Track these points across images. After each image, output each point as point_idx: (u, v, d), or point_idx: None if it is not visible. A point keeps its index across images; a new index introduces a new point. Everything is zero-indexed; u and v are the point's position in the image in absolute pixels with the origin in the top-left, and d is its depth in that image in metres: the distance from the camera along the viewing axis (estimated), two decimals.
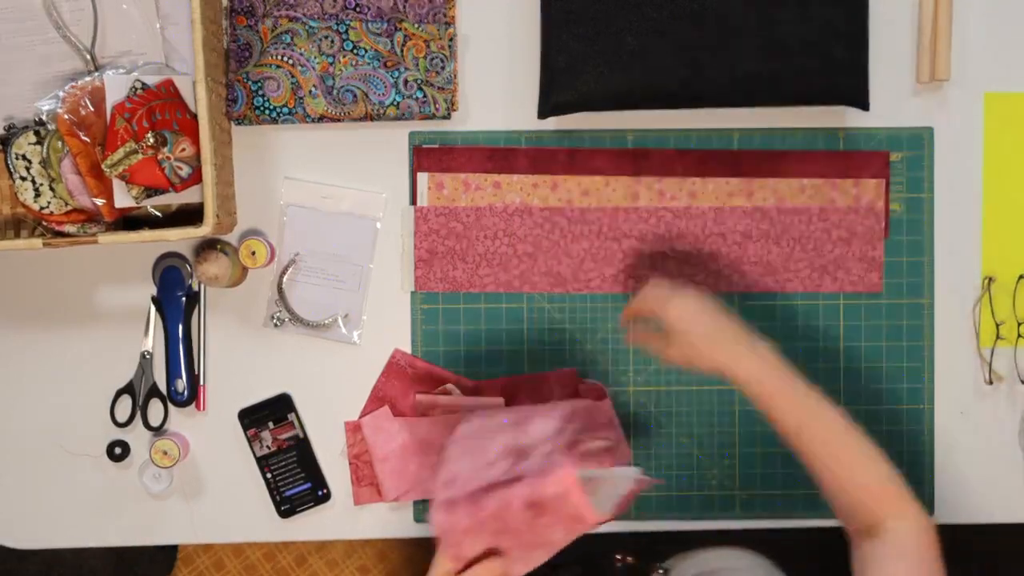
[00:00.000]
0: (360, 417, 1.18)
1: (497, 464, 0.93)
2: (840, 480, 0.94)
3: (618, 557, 1.22)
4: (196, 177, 1.09)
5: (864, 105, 1.14)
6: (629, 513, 1.20)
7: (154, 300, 1.18)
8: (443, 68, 1.16)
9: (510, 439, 0.96)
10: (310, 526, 1.20)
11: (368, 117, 1.16)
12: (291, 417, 1.19)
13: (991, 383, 1.19)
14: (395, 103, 1.15)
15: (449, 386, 1.17)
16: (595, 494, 0.90)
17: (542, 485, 0.88)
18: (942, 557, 0.92)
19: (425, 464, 1.14)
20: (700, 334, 0.98)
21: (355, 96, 1.15)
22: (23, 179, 1.09)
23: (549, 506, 0.89)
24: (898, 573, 0.90)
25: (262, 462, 1.19)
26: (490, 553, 0.93)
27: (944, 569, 0.92)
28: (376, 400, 1.19)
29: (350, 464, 1.18)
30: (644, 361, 1.20)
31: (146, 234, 1.06)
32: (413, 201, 1.18)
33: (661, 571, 1.15)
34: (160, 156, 1.06)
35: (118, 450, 1.18)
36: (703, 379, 1.19)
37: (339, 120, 1.15)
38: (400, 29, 1.15)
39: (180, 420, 1.20)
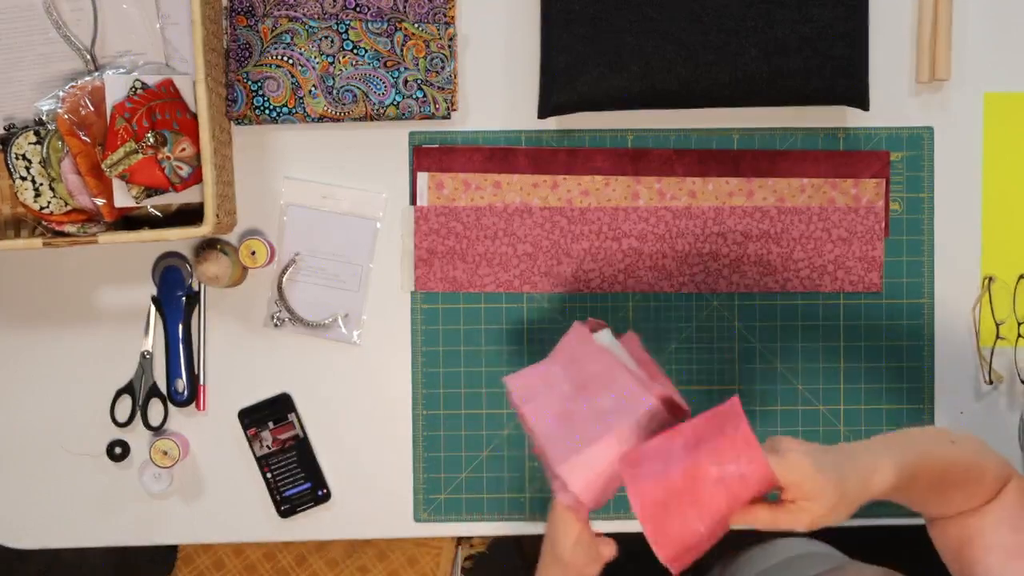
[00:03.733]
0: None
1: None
2: (955, 499, 0.90)
3: None
4: (196, 177, 1.09)
5: (864, 105, 1.14)
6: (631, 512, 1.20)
7: (154, 300, 1.18)
8: (443, 68, 1.16)
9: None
10: (310, 526, 1.20)
11: (368, 117, 1.16)
12: (291, 417, 1.19)
13: (991, 383, 1.19)
14: (395, 103, 1.15)
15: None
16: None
17: (737, 460, 0.80)
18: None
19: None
20: (832, 490, 0.82)
21: (355, 96, 1.15)
22: (23, 179, 1.09)
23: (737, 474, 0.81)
24: (1014, 526, 0.89)
25: (262, 462, 1.19)
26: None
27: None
28: None
29: None
30: None
31: (146, 234, 1.06)
32: (413, 201, 1.18)
33: None
34: (160, 156, 1.06)
35: (118, 450, 1.18)
36: (702, 379, 1.19)
37: (339, 120, 1.15)
38: (400, 29, 1.15)
39: (180, 420, 1.20)
